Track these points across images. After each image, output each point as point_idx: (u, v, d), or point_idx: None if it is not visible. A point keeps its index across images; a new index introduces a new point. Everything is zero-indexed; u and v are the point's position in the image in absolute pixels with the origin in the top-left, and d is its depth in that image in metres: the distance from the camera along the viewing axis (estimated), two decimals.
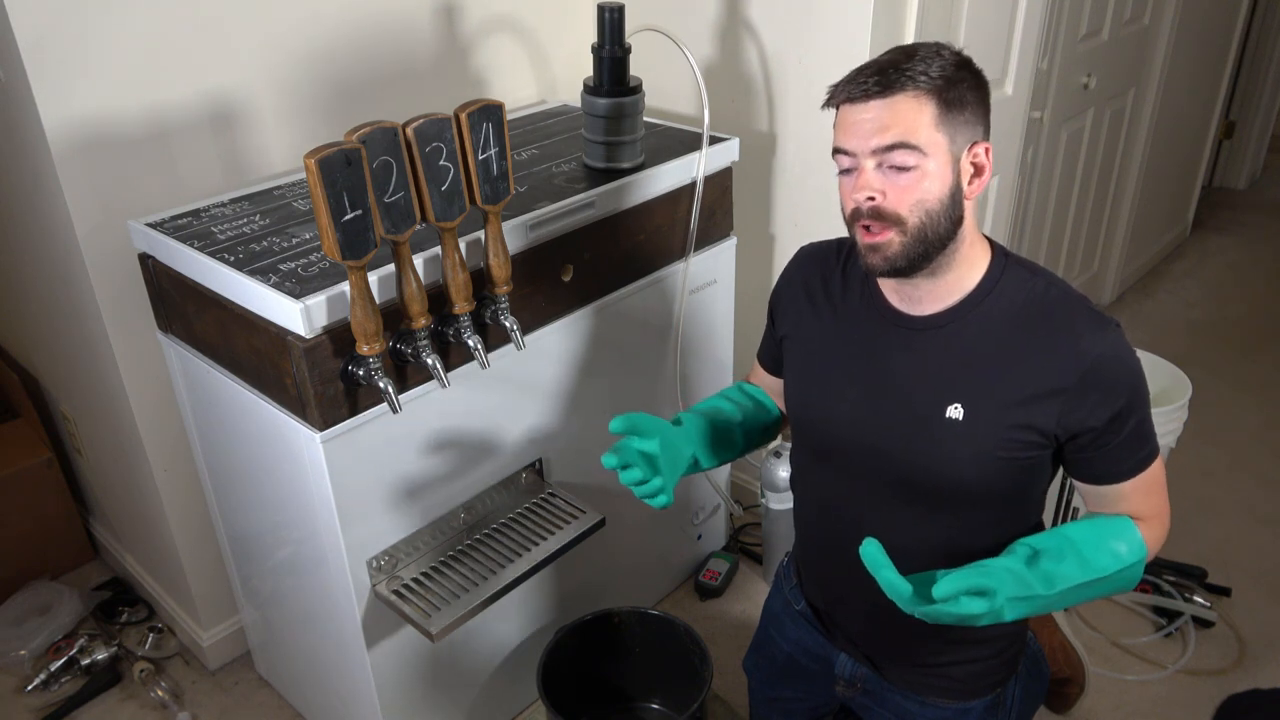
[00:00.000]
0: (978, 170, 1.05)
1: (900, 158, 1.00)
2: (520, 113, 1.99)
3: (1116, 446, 1.07)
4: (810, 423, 1.21)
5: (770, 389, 1.38)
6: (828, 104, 1.06)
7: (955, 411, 1.08)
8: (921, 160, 1.00)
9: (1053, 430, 1.06)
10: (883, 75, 1.00)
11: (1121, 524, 1.10)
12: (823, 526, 1.27)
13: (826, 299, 1.21)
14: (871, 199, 1.01)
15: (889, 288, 1.14)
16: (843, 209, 1.07)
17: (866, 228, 1.04)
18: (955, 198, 1.03)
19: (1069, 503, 2.01)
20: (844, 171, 1.05)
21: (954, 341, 1.09)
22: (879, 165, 1.01)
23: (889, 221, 1.02)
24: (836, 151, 1.05)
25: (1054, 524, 2.04)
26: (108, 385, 1.73)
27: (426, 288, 1.31)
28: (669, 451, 1.18)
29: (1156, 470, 1.12)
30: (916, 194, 1.01)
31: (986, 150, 1.05)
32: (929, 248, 1.03)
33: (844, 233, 1.15)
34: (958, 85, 1.01)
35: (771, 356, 1.34)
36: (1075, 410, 1.05)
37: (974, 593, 0.99)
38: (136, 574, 2.11)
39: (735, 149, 1.79)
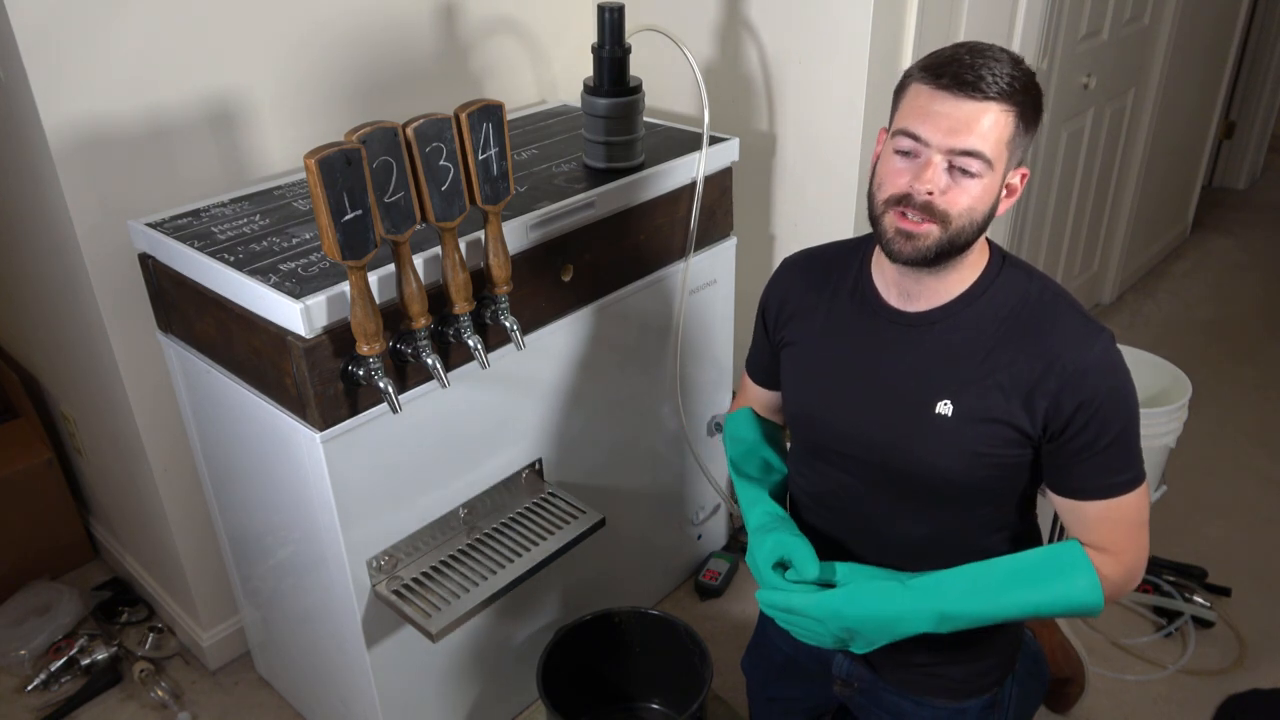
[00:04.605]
0: (1010, 190, 1.06)
1: (973, 165, 1.00)
2: (520, 113, 1.99)
3: (1091, 458, 1.06)
4: (806, 419, 1.21)
5: (761, 403, 1.37)
6: (909, 78, 1.04)
7: (944, 407, 1.08)
8: (986, 172, 1.01)
9: (1035, 431, 1.06)
10: (987, 77, 0.98)
11: (1065, 542, 1.10)
12: (819, 523, 1.27)
13: (819, 300, 1.21)
14: (931, 193, 1.01)
15: (887, 282, 1.14)
16: (878, 186, 1.05)
17: (904, 214, 1.02)
18: (991, 211, 1.04)
19: None
20: (901, 153, 1.03)
21: (945, 338, 1.10)
22: (947, 163, 1.00)
23: (935, 218, 1.01)
24: (902, 133, 1.02)
25: (1054, 529, 2.04)
26: (108, 385, 1.73)
27: (426, 288, 1.31)
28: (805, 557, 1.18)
29: (1133, 504, 1.08)
30: (970, 200, 1.01)
31: (1023, 176, 1.06)
32: (957, 249, 1.04)
33: (841, 235, 1.15)
34: (1032, 108, 1.02)
35: (764, 369, 1.33)
36: (1057, 413, 1.05)
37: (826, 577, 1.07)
38: (136, 574, 2.11)
39: (735, 149, 1.79)
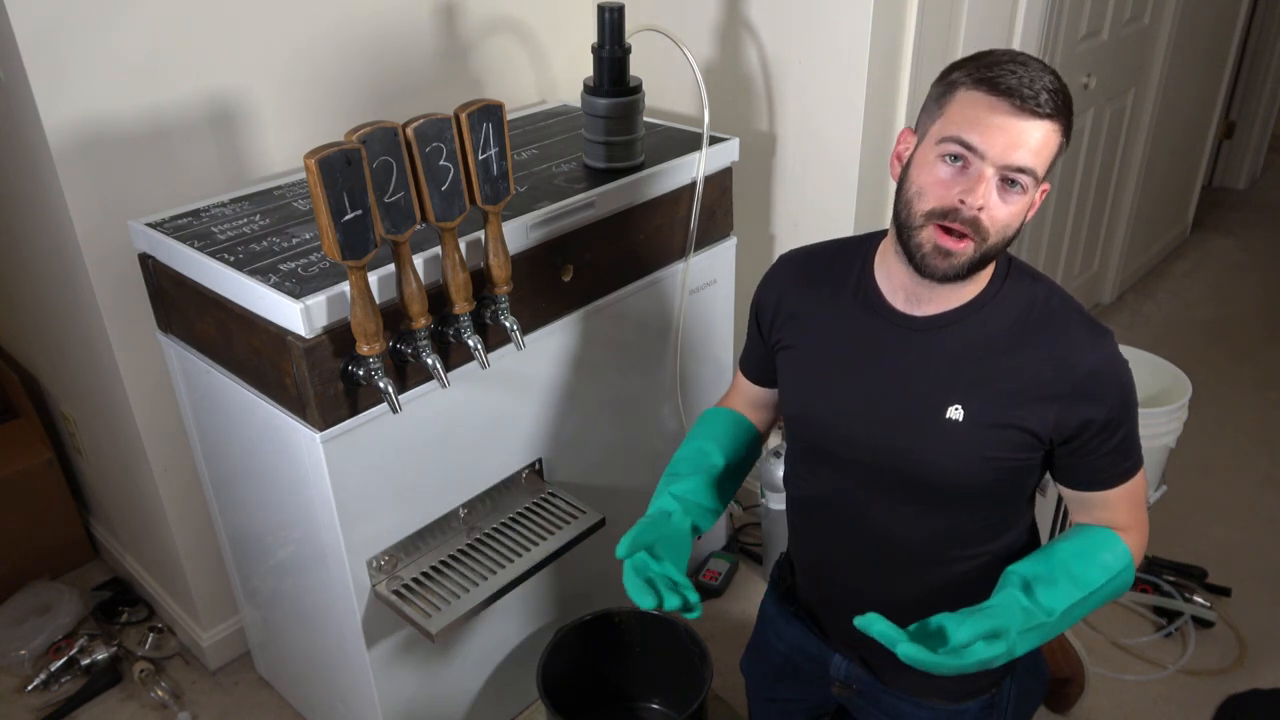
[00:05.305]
0: (1030, 206, 1.04)
1: (1023, 179, 0.98)
2: (520, 113, 1.99)
3: (1104, 455, 1.09)
4: (807, 421, 1.21)
5: (753, 400, 1.36)
6: (958, 84, 1.00)
7: (955, 412, 1.08)
8: (1031, 188, 1.00)
9: (1046, 434, 1.07)
10: (1045, 94, 0.96)
11: (1104, 535, 1.12)
12: (818, 525, 1.27)
13: (818, 300, 1.20)
14: (981, 208, 0.98)
15: (893, 286, 1.13)
16: (917, 194, 1.02)
17: (947, 230, 1.00)
18: (1020, 226, 1.03)
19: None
20: (948, 158, 0.99)
21: (953, 343, 1.09)
22: (999, 178, 0.98)
23: (976, 233, 0.99)
24: (954, 141, 0.98)
25: (1054, 528, 2.05)
26: (108, 385, 1.73)
27: (426, 288, 1.31)
28: (677, 555, 1.16)
29: (1139, 481, 1.13)
30: (1008, 217, 1.00)
31: (1043, 192, 1.05)
32: (984, 264, 1.03)
33: (841, 233, 1.14)
34: (1072, 125, 1.01)
35: (757, 366, 1.32)
36: (1068, 417, 1.05)
37: (988, 637, 0.99)
38: (136, 574, 2.11)
39: (735, 149, 1.79)
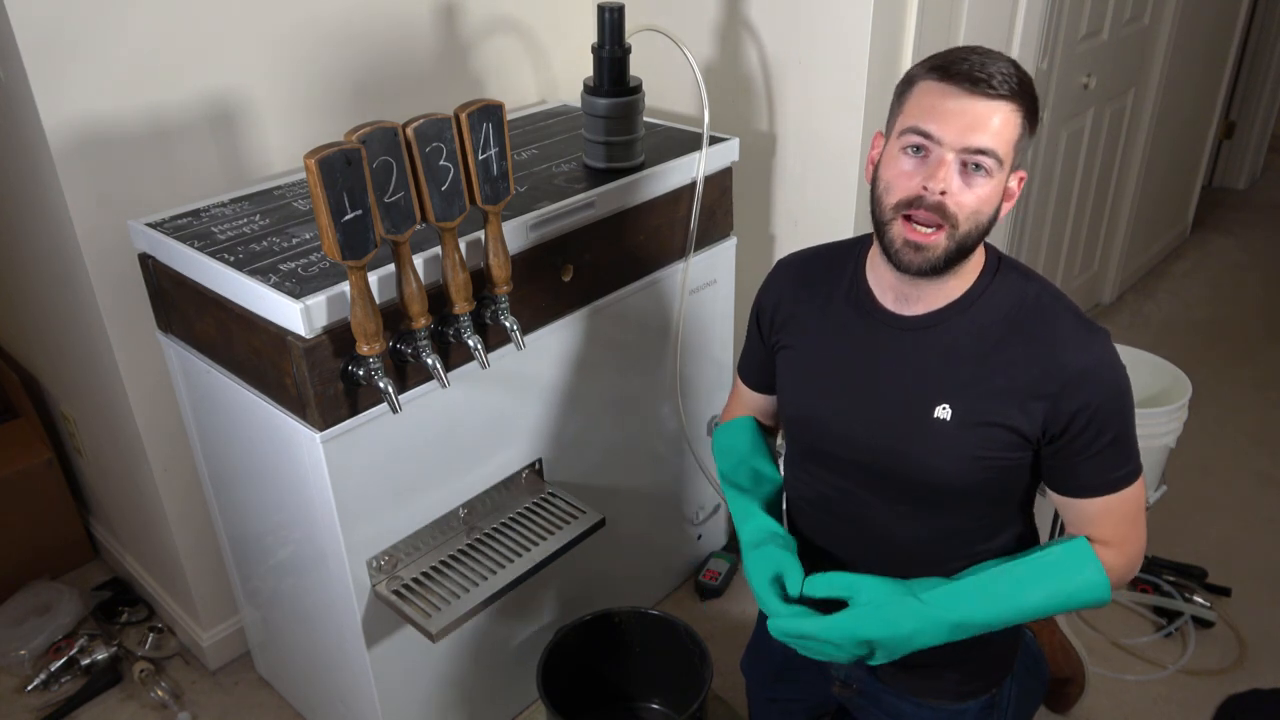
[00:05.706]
0: (1008, 195, 1.05)
1: (984, 162, 0.99)
2: (520, 113, 1.99)
3: (1092, 457, 1.07)
4: (803, 423, 1.21)
5: (753, 406, 1.37)
6: (914, 79, 1.02)
7: (943, 411, 1.08)
8: (997, 171, 1.00)
9: (1033, 434, 1.06)
10: (999, 77, 0.98)
11: (1072, 539, 1.11)
12: (817, 526, 1.27)
13: (814, 302, 1.20)
14: (944, 192, 0.99)
15: (883, 286, 1.13)
16: (885, 189, 1.03)
17: (911, 221, 1.01)
18: (995, 214, 1.04)
19: None
20: (908, 153, 1.01)
21: (942, 342, 1.10)
22: (960, 162, 0.99)
23: (946, 221, 1.00)
24: (913, 131, 1.00)
25: (1053, 528, 2.05)
26: (108, 385, 1.73)
27: (426, 288, 1.31)
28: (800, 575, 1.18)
29: (1132, 496, 1.09)
30: (976, 203, 1.00)
31: (1020, 180, 1.06)
32: (962, 255, 1.03)
33: (842, 235, 1.15)
34: (1034, 110, 1.02)
35: (757, 372, 1.32)
36: (1055, 416, 1.05)
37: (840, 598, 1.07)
38: (136, 574, 2.11)
39: (735, 149, 1.79)
